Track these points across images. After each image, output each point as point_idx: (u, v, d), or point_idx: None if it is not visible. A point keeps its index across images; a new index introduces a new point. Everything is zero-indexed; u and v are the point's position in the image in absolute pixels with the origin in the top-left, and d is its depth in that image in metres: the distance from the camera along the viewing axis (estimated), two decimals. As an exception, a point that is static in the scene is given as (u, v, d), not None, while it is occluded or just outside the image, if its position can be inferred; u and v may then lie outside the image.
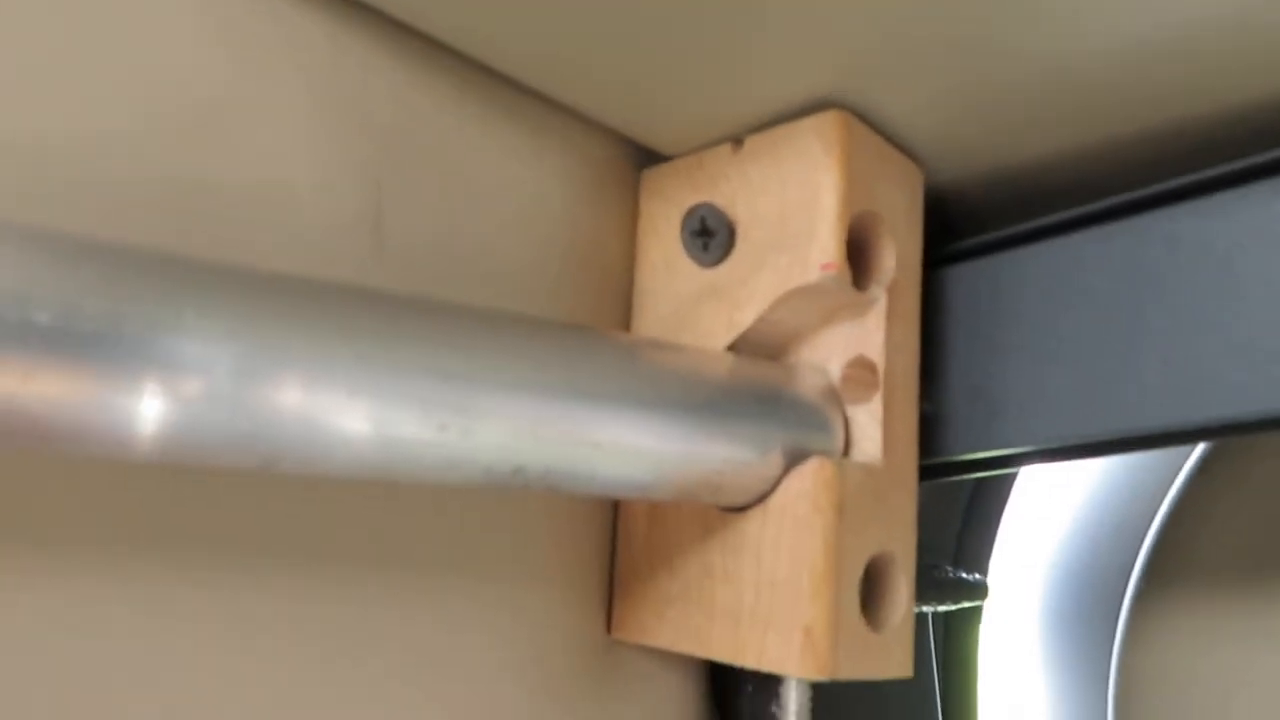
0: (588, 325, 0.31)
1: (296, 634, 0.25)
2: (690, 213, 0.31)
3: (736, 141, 0.31)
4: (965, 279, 0.31)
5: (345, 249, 0.27)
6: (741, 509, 0.29)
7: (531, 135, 0.32)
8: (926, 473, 0.32)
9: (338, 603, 0.26)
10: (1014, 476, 0.51)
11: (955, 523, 0.49)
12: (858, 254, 0.29)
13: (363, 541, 0.27)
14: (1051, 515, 0.56)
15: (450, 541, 0.29)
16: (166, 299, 0.19)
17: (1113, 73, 0.26)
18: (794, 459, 0.28)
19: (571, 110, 0.31)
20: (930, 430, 0.31)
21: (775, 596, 0.27)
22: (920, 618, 0.46)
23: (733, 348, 0.30)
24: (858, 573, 0.27)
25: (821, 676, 0.26)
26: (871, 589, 0.29)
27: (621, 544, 0.33)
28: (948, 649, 0.50)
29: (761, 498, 0.28)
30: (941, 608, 0.40)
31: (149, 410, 0.18)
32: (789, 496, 0.27)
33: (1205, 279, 0.26)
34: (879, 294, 0.29)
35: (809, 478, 0.27)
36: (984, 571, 0.50)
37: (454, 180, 0.30)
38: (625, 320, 0.34)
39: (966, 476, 0.35)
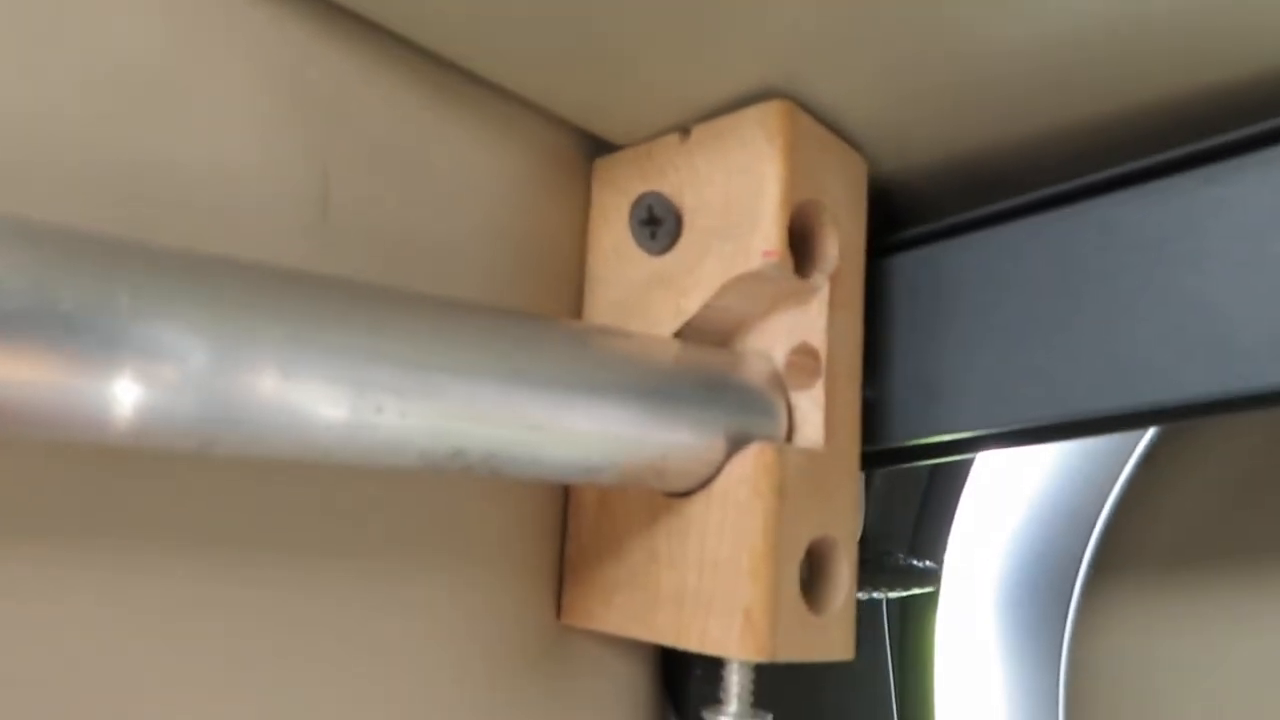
0: (533, 312, 0.31)
1: (239, 619, 0.25)
2: (638, 201, 0.31)
3: (684, 131, 0.31)
4: (908, 268, 0.32)
5: (291, 234, 0.27)
6: (686, 494, 0.29)
7: (482, 123, 0.32)
8: (871, 459, 0.33)
9: (284, 588, 0.26)
10: (969, 466, 0.51)
11: (912, 511, 0.49)
12: (801, 242, 0.30)
13: (309, 526, 0.27)
14: (1006, 504, 0.57)
15: (400, 527, 0.29)
16: (104, 284, 0.19)
17: (1051, 65, 0.27)
18: (737, 444, 0.28)
19: (523, 99, 0.32)
20: (873, 417, 0.31)
21: (717, 579, 0.27)
22: (874, 604, 0.47)
23: (680, 334, 0.30)
24: (798, 555, 0.28)
25: (760, 658, 0.26)
26: (814, 573, 0.29)
27: (571, 533, 0.33)
28: (903, 635, 0.50)
29: (705, 482, 0.28)
30: (893, 594, 0.41)
31: (104, 396, 0.18)
32: (731, 481, 0.28)
33: (1138, 266, 0.27)
34: (822, 282, 0.29)
35: (750, 462, 0.27)
36: (939, 559, 0.50)
37: (403, 166, 0.30)
38: (576, 307, 0.34)
39: (912, 464, 0.36)
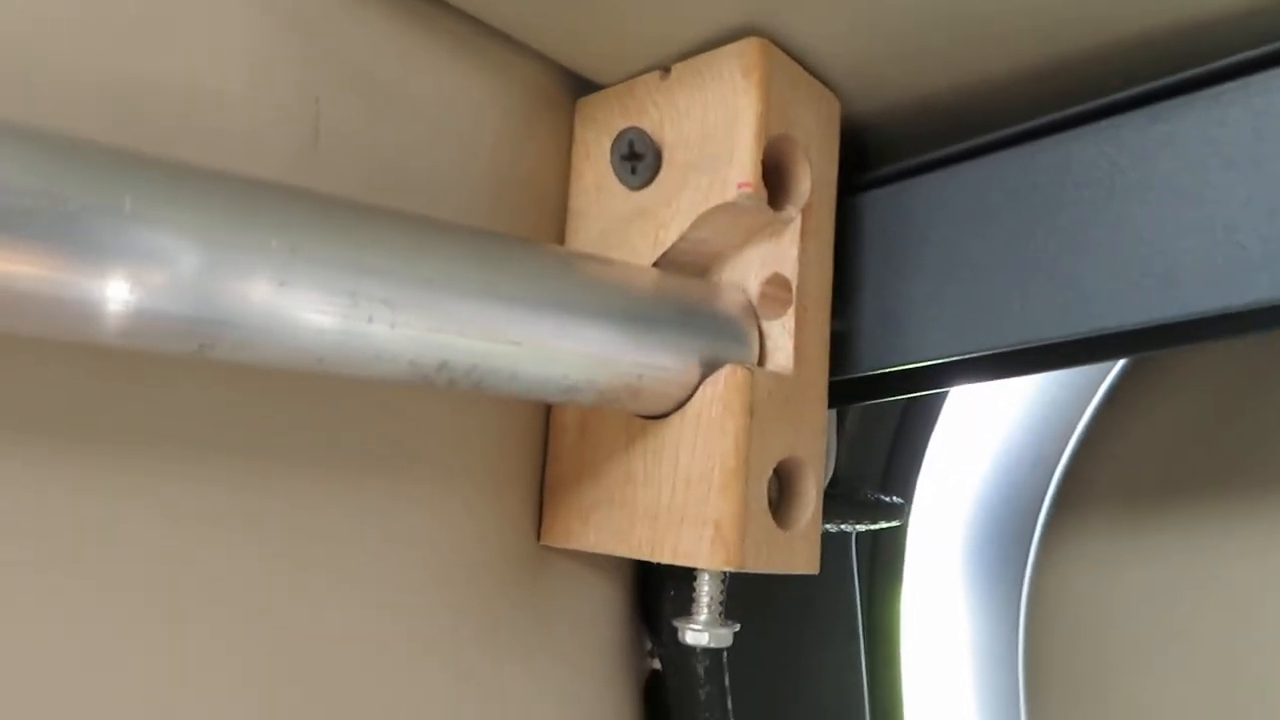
0: (521, 236, 0.32)
1: (223, 529, 0.26)
2: (619, 137, 0.32)
3: (664, 69, 0.32)
4: (877, 205, 0.33)
5: (282, 159, 0.28)
6: (662, 416, 0.30)
7: (471, 60, 0.33)
8: (840, 389, 0.34)
9: (268, 499, 0.27)
10: (938, 410, 0.53)
11: (883, 452, 0.51)
12: (775, 176, 0.31)
13: (297, 441, 0.28)
14: (974, 448, 0.59)
15: (386, 448, 0.30)
16: (113, 189, 0.20)
17: (1013, 6, 0.28)
18: (711, 368, 0.29)
19: (509, 38, 0.33)
20: (841, 347, 0.33)
21: (690, 494, 0.29)
22: (843, 537, 0.49)
23: (658, 265, 0.32)
24: (766, 473, 0.29)
25: (729, 567, 0.28)
26: (782, 491, 0.31)
27: (552, 456, 0.34)
28: (872, 572, 0.52)
29: (680, 404, 0.30)
30: (859, 526, 0.43)
31: (107, 292, 0.20)
32: (704, 401, 0.29)
33: (1091, 200, 0.28)
34: (794, 214, 0.31)
35: (723, 383, 0.29)
36: (909, 497, 0.52)
37: (392, 99, 0.31)
38: (559, 239, 0.35)
39: (880, 399, 0.37)
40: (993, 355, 0.31)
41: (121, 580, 0.24)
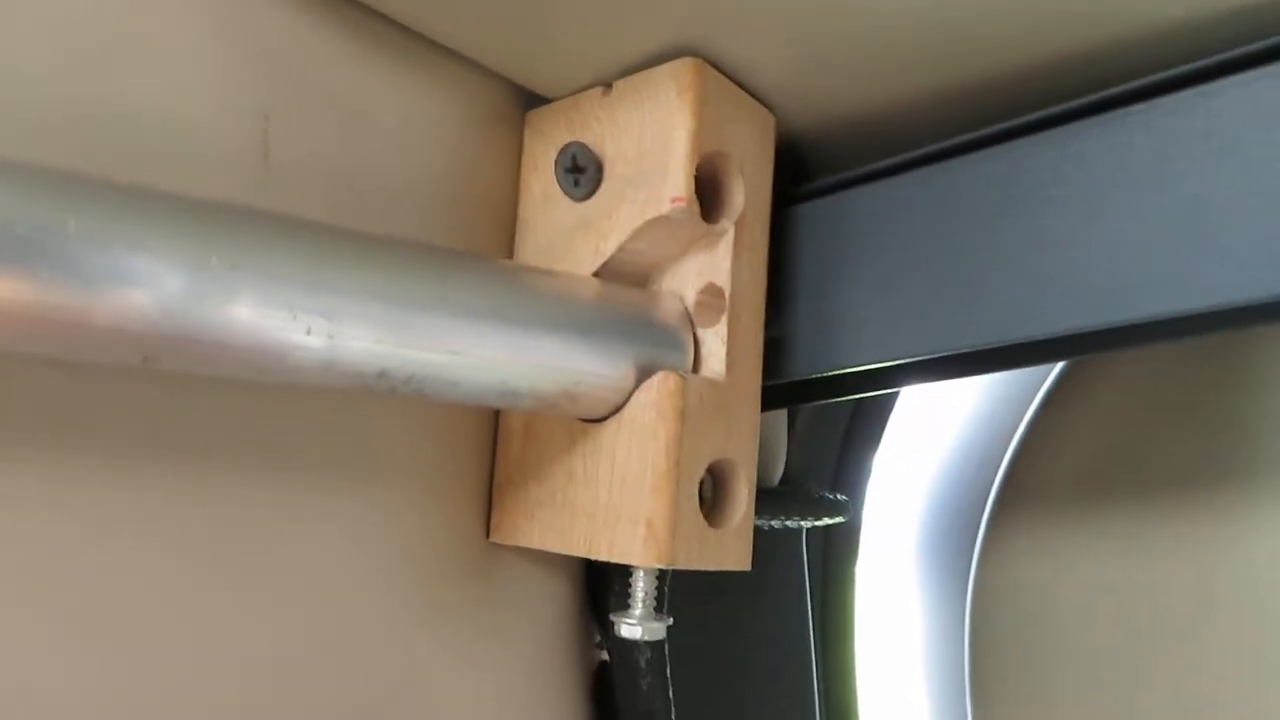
0: (466, 250, 0.34)
1: (175, 530, 0.28)
2: (563, 150, 0.34)
3: (607, 86, 0.34)
4: (812, 216, 0.34)
5: (233, 180, 0.29)
6: (600, 420, 0.32)
7: (422, 76, 0.34)
8: (775, 393, 0.36)
9: (221, 501, 0.29)
10: (890, 408, 0.55)
11: (834, 450, 0.53)
12: (710, 190, 0.32)
13: (250, 442, 0.29)
14: (926, 445, 0.60)
15: (339, 449, 0.32)
16: (59, 212, 0.21)
17: (939, 29, 0.29)
18: (646, 374, 0.31)
19: (461, 55, 0.34)
20: (777, 353, 0.34)
21: (624, 494, 0.30)
22: (794, 534, 0.50)
23: (599, 274, 0.33)
24: (698, 474, 0.30)
25: (660, 564, 0.29)
26: (716, 492, 0.32)
27: (500, 458, 0.36)
28: (826, 567, 0.54)
29: (617, 409, 0.31)
30: (806, 523, 0.44)
31: (53, 307, 0.21)
32: (639, 406, 0.30)
33: (1011, 214, 0.29)
34: (728, 227, 0.32)
35: (656, 389, 0.30)
36: (861, 495, 0.54)
37: (344, 116, 0.32)
38: (509, 249, 0.36)
39: (814, 401, 0.39)
40: (920, 361, 0.32)
41: (54, 586, 0.26)
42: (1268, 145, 0.25)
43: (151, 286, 0.22)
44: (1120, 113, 0.28)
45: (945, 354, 0.31)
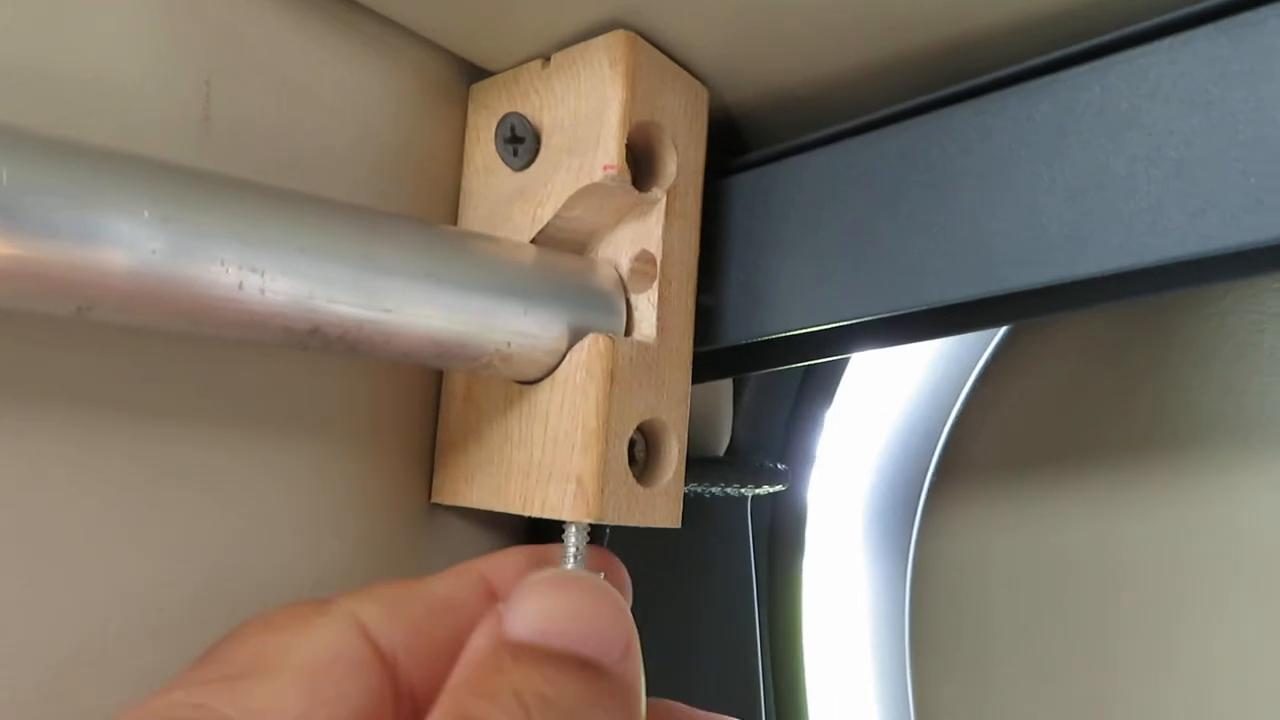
0: (404, 214, 0.35)
1: (103, 483, 0.28)
2: (502, 121, 0.34)
3: (546, 59, 0.35)
4: (743, 187, 0.35)
5: (172, 145, 0.30)
6: (535, 382, 0.33)
7: (366, 48, 0.35)
8: (708, 360, 0.37)
9: (158, 451, 0.29)
10: (837, 380, 0.56)
11: (782, 422, 0.54)
12: (643, 161, 0.33)
13: (192, 398, 0.30)
14: (872, 417, 0.62)
15: (282, 410, 0.33)
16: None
17: (864, 8, 0.31)
18: (579, 337, 0.32)
19: (404, 28, 0.35)
20: (709, 320, 0.35)
21: (556, 452, 0.31)
22: (739, 505, 0.52)
23: (536, 241, 0.34)
24: (627, 433, 0.31)
25: (590, 519, 0.30)
26: (648, 452, 0.34)
27: (441, 422, 0.37)
28: (772, 541, 0.55)
29: (549, 370, 0.32)
30: (746, 491, 0.45)
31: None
32: (571, 367, 0.32)
33: (924, 185, 0.31)
34: (660, 196, 0.33)
35: (586, 350, 0.31)
36: (808, 467, 0.55)
37: (285, 85, 0.33)
38: (452, 218, 0.37)
39: (746, 371, 0.40)
40: (844, 327, 0.34)
41: (19, 525, 0.27)
42: (1156, 117, 0.26)
43: (83, 237, 0.23)
44: (1020, 88, 0.29)
45: (866, 319, 0.32)
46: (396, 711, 0.25)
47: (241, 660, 0.24)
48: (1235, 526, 0.40)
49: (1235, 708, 0.40)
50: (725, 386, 0.48)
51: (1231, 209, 0.24)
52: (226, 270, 0.25)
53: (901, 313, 0.31)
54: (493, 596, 0.29)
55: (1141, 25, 0.27)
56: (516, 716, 0.21)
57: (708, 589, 0.49)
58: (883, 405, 0.61)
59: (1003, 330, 0.49)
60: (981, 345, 0.50)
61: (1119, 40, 0.27)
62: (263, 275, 0.26)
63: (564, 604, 0.25)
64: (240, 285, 0.25)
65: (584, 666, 0.24)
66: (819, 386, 0.55)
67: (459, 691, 0.23)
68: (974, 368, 0.49)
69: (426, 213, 0.36)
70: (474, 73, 0.37)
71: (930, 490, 0.49)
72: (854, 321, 0.33)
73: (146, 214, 0.24)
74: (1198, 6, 0.26)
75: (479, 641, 0.24)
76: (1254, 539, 0.40)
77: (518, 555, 0.31)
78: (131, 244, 0.23)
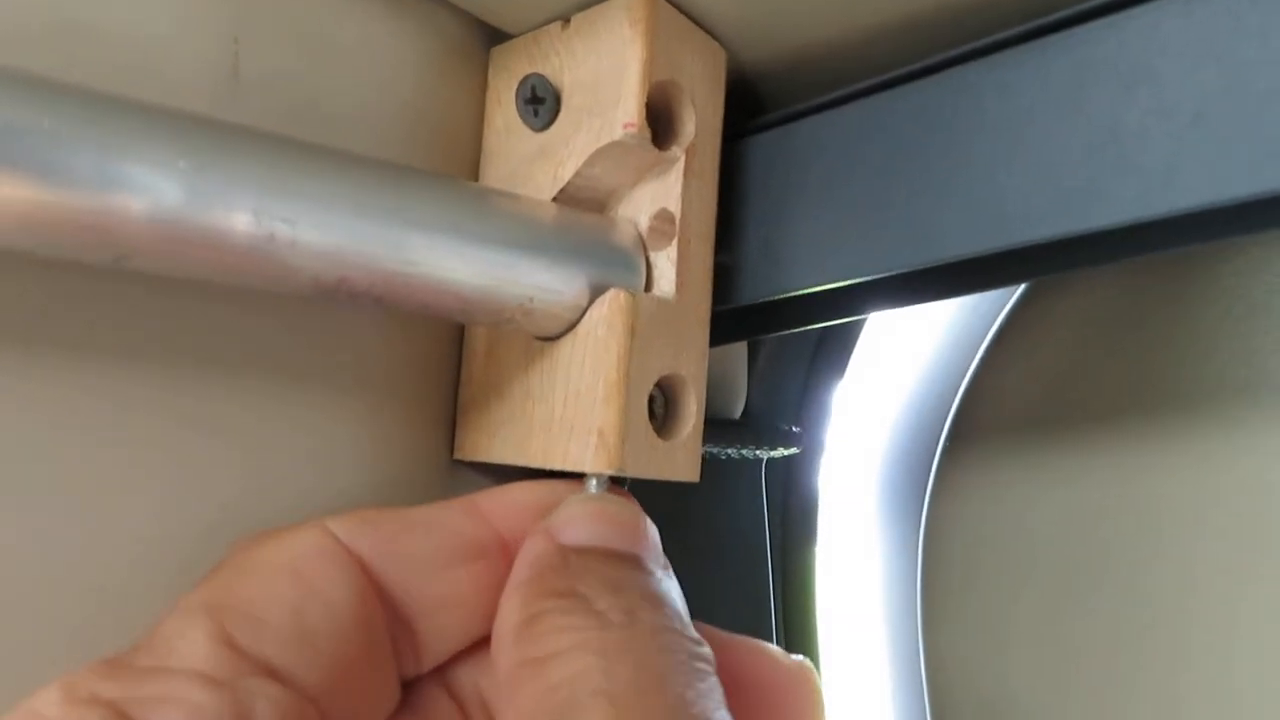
0: (429, 170, 0.35)
1: (130, 431, 0.29)
2: (523, 82, 0.35)
3: (565, 20, 0.35)
4: (761, 148, 0.36)
5: (202, 98, 0.30)
6: (556, 338, 0.33)
7: (388, 9, 0.35)
8: (732, 322, 0.37)
9: (182, 400, 0.30)
10: (851, 346, 0.56)
11: (797, 387, 0.54)
12: (661, 119, 0.34)
13: (215, 348, 0.31)
14: (886, 382, 0.62)
15: (312, 368, 0.33)
16: (34, 111, 0.23)
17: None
18: (599, 293, 0.32)
19: (427, -10, 0.35)
20: (727, 278, 0.36)
21: (578, 406, 0.32)
22: (754, 466, 0.52)
23: (557, 199, 0.34)
24: (647, 387, 0.32)
25: (611, 470, 0.31)
26: (667, 407, 0.34)
27: (463, 380, 0.37)
28: (786, 505, 0.56)
29: (571, 326, 0.33)
30: (760, 452, 0.46)
31: (28, 200, 0.22)
32: (591, 323, 0.32)
33: (940, 142, 0.31)
34: (679, 154, 0.34)
35: (607, 305, 0.32)
36: (822, 430, 0.56)
37: (312, 42, 0.33)
38: (474, 178, 0.38)
39: (765, 333, 0.40)
40: (859, 284, 0.34)
41: (37, 469, 0.27)
42: (1170, 71, 0.26)
43: (122, 186, 0.23)
44: (1035, 44, 0.29)
45: (882, 275, 0.33)
46: (383, 610, 0.27)
47: (231, 567, 0.26)
48: (1245, 486, 0.40)
49: (1261, 667, 0.40)
50: (740, 351, 0.49)
51: (1244, 160, 0.25)
52: (259, 221, 0.26)
53: (917, 269, 0.32)
54: (487, 523, 0.30)
55: (1154, -18, 0.27)
56: (595, 588, 0.24)
57: (723, 550, 0.50)
58: (896, 370, 0.62)
59: (1014, 297, 0.50)
60: (994, 312, 0.51)
61: (1132, -4, 0.27)
62: (294, 226, 0.26)
63: (612, 517, 0.28)
64: (272, 236, 0.26)
65: (639, 563, 0.26)
66: (833, 352, 0.56)
67: (534, 581, 0.25)
68: (986, 334, 0.50)
69: (449, 172, 0.37)
70: (494, 36, 0.38)
71: (943, 454, 0.50)
72: (870, 278, 0.33)
73: (182, 164, 0.24)
74: (1213, -39, 0.26)
75: (536, 548, 0.27)
76: (1263, 499, 0.40)
77: (518, 489, 0.32)
78: (167, 194, 0.24)
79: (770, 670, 0.30)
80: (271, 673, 0.23)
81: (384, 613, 0.27)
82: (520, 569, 0.27)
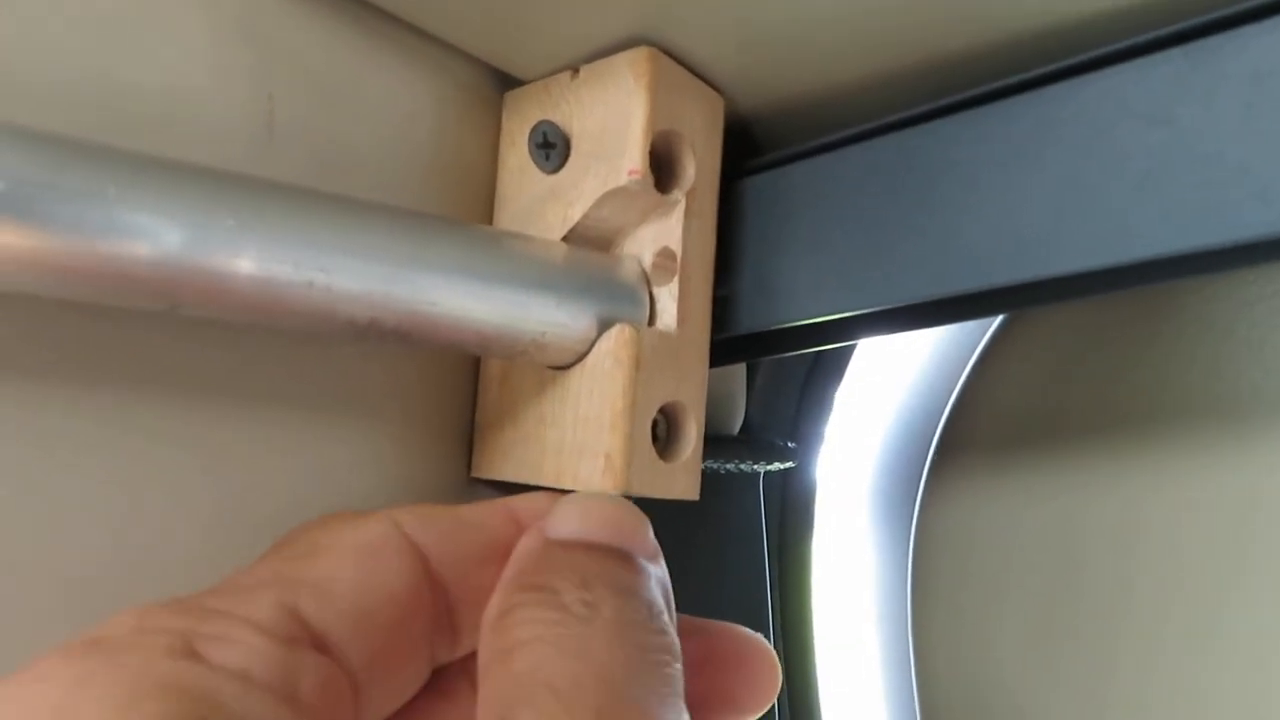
0: (448, 217, 0.38)
1: (166, 453, 0.32)
2: (535, 128, 0.38)
3: (575, 70, 0.38)
4: (758, 188, 0.39)
5: (239, 152, 0.33)
6: (566, 368, 0.36)
7: (410, 60, 0.38)
8: (731, 348, 0.40)
9: (205, 434, 0.33)
10: (845, 362, 0.59)
11: (793, 402, 0.57)
12: (664, 165, 0.36)
13: (245, 380, 0.34)
14: (878, 397, 0.65)
15: (342, 393, 0.36)
16: (99, 180, 0.25)
17: (875, 16, 0.33)
18: (606, 326, 0.35)
19: (443, 41, 0.38)
20: (724, 310, 0.39)
21: (587, 431, 0.35)
22: (752, 480, 0.55)
23: (567, 239, 0.37)
24: (650, 415, 0.35)
25: (618, 490, 0.34)
26: (670, 431, 0.37)
27: (479, 404, 0.40)
28: (784, 516, 0.58)
29: (581, 357, 0.36)
30: (758, 467, 0.49)
31: (97, 260, 0.25)
32: (599, 355, 0.35)
33: (926, 187, 0.34)
34: (680, 197, 0.36)
35: (614, 339, 0.34)
36: (817, 444, 0.59)
37: (340, 97, 0.36)
38: (488, 217, 0.41)
39: (761, 356, 0.43)
40: (849, 317, 0.37)
41: (53, 494, 0.30)
42: (1124, 131, 0.29)
43: (175, 244, 0.26)
44: (1003, 103, 0.32)
45: (870, 310, 0.35)
46: (432, 598, 0.29)
47: (303, 545, 0.28)
48: (1218, 501, 0.43)
49: (1242, 677, 0.42)
50: (740, 370, 0.51)
51: (1190, 216, 0.27)
52: (299, 270, 0.28)
53: (899, 306, 0.34)
54: (518, 523, 0.32)
55: (1113, 46, 0.30)
56: (569, 582, 0.25)
57: (722, 560, 0.52)
58: (888, 386, 0.65)
59: (1000, 317, 0.52)
60: (981, 329, 0.53)
61: (1092, 60, 0.30)
62: (329, 275, 0.29)
63: (599, 512, 0.29)
64: (310, 284, 0.29)
65: (624, 557, 0.28)
66: (828, 369, 0.58)
67: (517, 579, 0.27)
68: (974, 350, 0.52)
69: (464, 210, 0.40)
70: (507, 80, 0.40)
71: (932, 466, 0.52)
72: (857, 314, 0.36)
73: (230, 222, 0.27)
74: (1163, 31, 0.29)
75: (527, 544, 0.29)
76: (1237, 514, 0.43)
77: (545, 495, 0.34)
78: (217, 249, 0.27)
79: (734, 643, 0.33)
80: (325, 647, 0.25)
81: (433, 602, 0.29)
82: (510, 564, 0.29)
